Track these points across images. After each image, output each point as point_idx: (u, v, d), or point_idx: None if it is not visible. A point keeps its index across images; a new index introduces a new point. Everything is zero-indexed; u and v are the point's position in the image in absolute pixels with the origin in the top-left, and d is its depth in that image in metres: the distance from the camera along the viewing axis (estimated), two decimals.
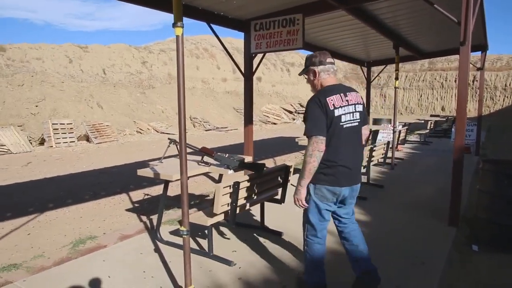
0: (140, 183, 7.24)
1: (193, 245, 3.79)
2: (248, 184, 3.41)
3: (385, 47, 9.15)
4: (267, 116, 26.55)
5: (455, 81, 49.06)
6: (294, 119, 28.20)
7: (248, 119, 6.21)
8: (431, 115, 20.68)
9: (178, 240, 3.94)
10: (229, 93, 27.84)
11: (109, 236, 4.24)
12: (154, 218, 4.96)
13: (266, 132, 20.65)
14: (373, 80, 11.69)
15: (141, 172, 3.75)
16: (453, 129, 10.51)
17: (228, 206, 3.33)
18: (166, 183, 3.80)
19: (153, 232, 4.20)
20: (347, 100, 2.63)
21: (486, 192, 4.11)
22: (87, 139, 15.19)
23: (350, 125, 2.62)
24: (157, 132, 18.38)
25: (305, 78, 2.81)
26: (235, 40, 35.15)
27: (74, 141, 14.36)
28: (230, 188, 3.25)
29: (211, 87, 27.18)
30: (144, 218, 5.06)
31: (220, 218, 3.39)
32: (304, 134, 2.55)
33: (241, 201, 3.41)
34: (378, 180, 6.88)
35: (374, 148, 5.73)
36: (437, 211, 5.07)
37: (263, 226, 4.29)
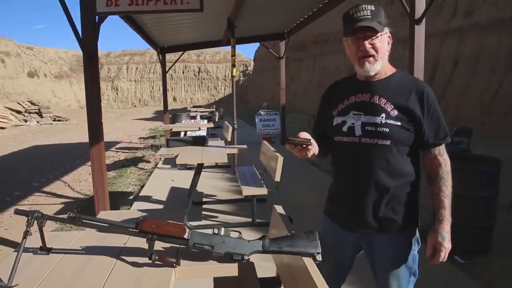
0: None
1: None
2: None
3: (183, 31, 7.93)
4: None
5: (183, 72, 52.85)
6: (26, 121, 22.53)
7: (95, 131, 3.44)
8: (194, 106, 20.78)
9: None
10: None
11: None
12: None
13: (2, 140, 15.27)
14: (169, 70, 10.06)
15: None
16: (256, 119, 10.32)
17: None
18: None
19: None
20: None
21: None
22: None
23: None
24: None
25: (370, 39, 1.48)
26: None
27: None
28: None
29: None
30: None
31: None
32: (440, 140, 1.58)
33: None
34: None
35: None
36: None
37: None
